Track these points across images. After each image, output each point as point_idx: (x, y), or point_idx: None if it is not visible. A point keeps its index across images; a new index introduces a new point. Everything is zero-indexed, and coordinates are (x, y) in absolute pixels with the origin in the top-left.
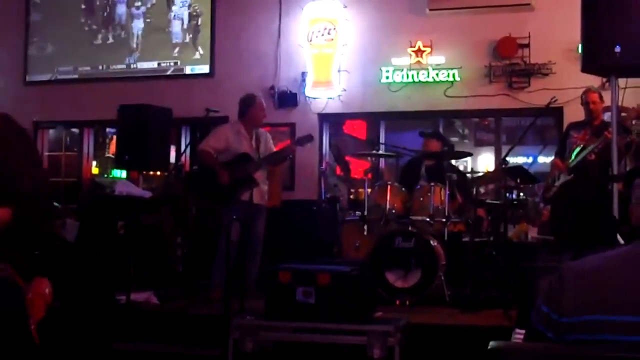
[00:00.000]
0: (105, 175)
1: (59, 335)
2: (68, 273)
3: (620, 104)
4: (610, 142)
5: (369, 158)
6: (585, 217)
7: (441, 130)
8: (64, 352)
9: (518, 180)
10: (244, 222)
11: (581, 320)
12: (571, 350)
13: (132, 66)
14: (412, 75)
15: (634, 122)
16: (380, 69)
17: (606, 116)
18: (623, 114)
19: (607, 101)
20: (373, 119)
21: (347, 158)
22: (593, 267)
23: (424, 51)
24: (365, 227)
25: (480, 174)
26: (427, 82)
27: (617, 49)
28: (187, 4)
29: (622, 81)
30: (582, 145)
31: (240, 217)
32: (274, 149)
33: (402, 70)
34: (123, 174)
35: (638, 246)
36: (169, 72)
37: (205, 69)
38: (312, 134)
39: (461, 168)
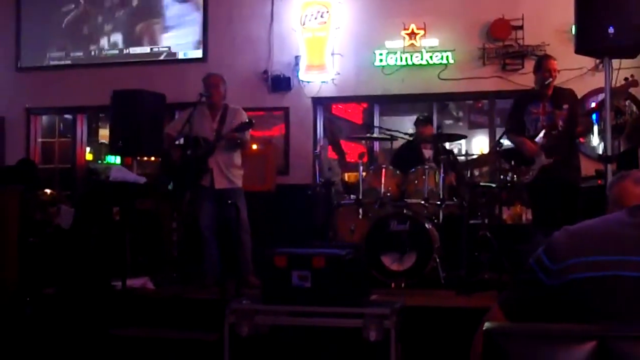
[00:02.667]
0: (100, 161)
1: (55, 322)
2: (63, 260)
3: (613, 85)
4: (574, 109)
5: (363, 141)
6: (569, 198)
7: (435, 113)
8: (61, 339)
9: (512, 163)
10: (214, 207)
11: (566, 264)
12: (561, 331)
13: (124, 51)
14: (406, 58)
15: (626, 102)
16: (374, 52)
17: (599, 97)
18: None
19: (600, 82)
20: (367, 102)
21: (341, 142)
22: (577, 226)
23: (418, 34)
24: (360, 210)
25: (475, 157)
26: (420, 64)
27: (611, 30)
28: None
29: (615, 62)
30: (545, 120)
31: (205, 202)
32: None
33: (396, 53)
34: (117, 159)
35: (616, 213)
36: (161, 57)
37: (198, 53)
38: (252, 121)
39: (455, 151)
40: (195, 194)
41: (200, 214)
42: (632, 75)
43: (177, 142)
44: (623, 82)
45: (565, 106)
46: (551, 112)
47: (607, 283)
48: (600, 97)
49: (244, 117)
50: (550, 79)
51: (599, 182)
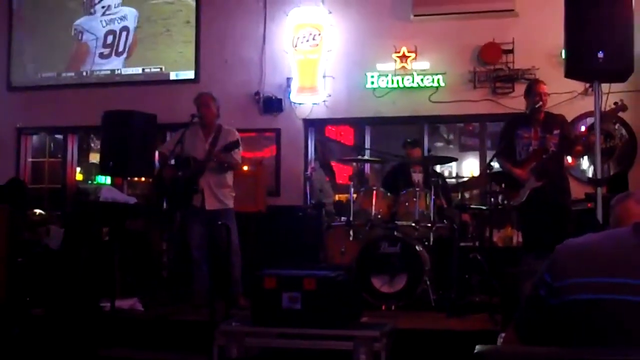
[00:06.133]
0: (90, 182)
1: (43, 342)
2: (52, 280)
3: (603, 109)
4: (566, 134)
5: (354, 163)
6: (559, 220)
7: (426, 135)
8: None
9: (503, 185)
10: (204, 228)
11: (567, 283)
12: (549, 354)
13: (116, 72)
14: (397, 81)
15: (616, 126)
16: (365, 75)
17: (588, 121)
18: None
19: (590, 106)
20: (358, 124)
21: (332, 163)
22: (580, 242)
23: (409, 57)
24: (351, 232)
25: (465, 179)
26: (411, 87)
27: (600, 54)
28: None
29: (605, 87)
30: (537, 144)
31: (196, 223)
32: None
33: (387, 75)
34: (107, 180)
35: (622, 229)
36: (153, 78)
37: (190, 74)
38: (239, 140)
39: (446, 173)
40: (186, 214)
41: (190, 235)
42: (621, 100)
43: (169, 162)
44: (612, 106)
45: (556, 131)
46: (543, 137)
47: (607, 307)
48: (590, 120)
49: (234, 137)
50: (541, 103)
51: (589, 205)
